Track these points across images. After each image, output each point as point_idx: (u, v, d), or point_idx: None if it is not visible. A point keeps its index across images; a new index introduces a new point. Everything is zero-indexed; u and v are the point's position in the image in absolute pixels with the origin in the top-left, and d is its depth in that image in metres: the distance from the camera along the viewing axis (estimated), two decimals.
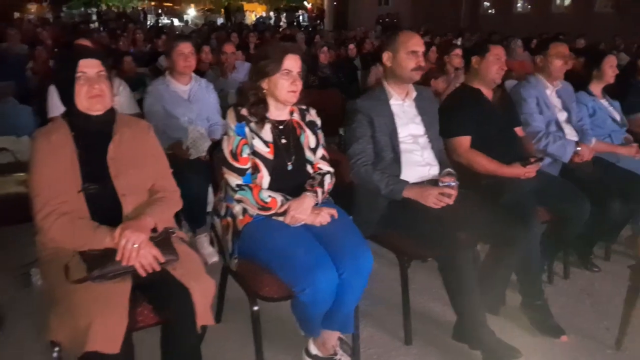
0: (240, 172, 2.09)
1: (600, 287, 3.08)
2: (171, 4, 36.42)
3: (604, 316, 2.75)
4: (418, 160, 2.52)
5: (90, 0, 28.58)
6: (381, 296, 2.81)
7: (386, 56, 2.51)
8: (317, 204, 2.14)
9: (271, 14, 32.30)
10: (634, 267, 2.34)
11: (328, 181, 2.25)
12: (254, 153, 2.11)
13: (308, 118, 2.29)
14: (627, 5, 15.07)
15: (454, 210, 2.37)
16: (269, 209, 2.08)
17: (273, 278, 1.98)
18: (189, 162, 3.03)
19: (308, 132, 2.26)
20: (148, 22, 24.53)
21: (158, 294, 1.69)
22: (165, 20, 29.20)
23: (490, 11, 22.60)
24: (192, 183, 2.84)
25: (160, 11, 30.88)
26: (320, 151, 2.29)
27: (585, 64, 3.60)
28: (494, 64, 2.84)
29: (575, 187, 2.83)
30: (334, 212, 2.12)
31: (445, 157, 2.70)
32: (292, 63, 2.12)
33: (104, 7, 28.61)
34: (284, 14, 30.02)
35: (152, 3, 36.58)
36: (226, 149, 2.11)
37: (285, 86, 2.11)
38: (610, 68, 3.47)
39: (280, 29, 16.12)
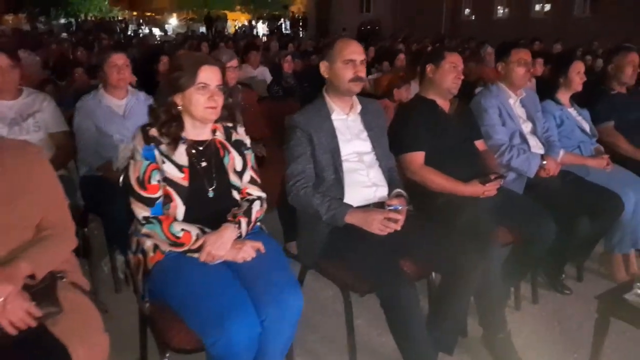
0: (148, 202, 1.82)
1: (571, 312, 2.84)
2: (153, 14, 36.15)
3: (575, 346, 2.51)
4: (363, 181, 2.27)
5: (70, 10, 28.25)
6: (328, 331, 2.55)
7: (323, 67, 2.27)
8: (240, 237, 1.87)
9: (254, 22, 32.09)
10: (601, 297, 2.10)
11: (257, 208, 1.99)
12: (165, 179, 1.84)
13: (235, 137, 2.03)
14: (605, 8, 15.07)
15: (402, 237, 2.12)
16: (181, 244, 1.81)
17: (186, 325, 1.71)
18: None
19: (234, 152, 2.00)
20: (129, 32, 24.18)
21: (28, 356, 1.41)
22: (146, 30, 28.86)
23: (471, 17, 22.59)
24: (121, 207, 2.56)
25: (141, 21, 30.48)
26: (249, 174, 2.03)
27: (552, 71, 3.38)
28: (449, 73, 2.61)
29: (540, 205, 2.59)
30: (259, 245, 1.86)
31: (397, 176, 2.45)
32: (209, 75, 1.86)
33: (83, 17, 28.27)
34: (266, 22, 29.84)
35: (135, 13, 36.29)
36: (132, 175, 1.84)
37: (201, 101, 1.85)
38: (577, 75, 3.25)
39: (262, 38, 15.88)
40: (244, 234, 1.88)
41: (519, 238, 2.57)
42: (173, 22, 33.22)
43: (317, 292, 2.87)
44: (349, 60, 2.20)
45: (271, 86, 5.19)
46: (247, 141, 2.07)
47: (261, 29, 29.05)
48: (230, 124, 2.04)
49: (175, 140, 1.86)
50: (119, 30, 22.36)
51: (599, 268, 3.28)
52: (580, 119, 3.34)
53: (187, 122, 1.92)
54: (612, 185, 2.99)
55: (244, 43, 11.42)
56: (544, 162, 2.85)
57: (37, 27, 23.49)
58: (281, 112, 3.83)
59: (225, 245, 1.81)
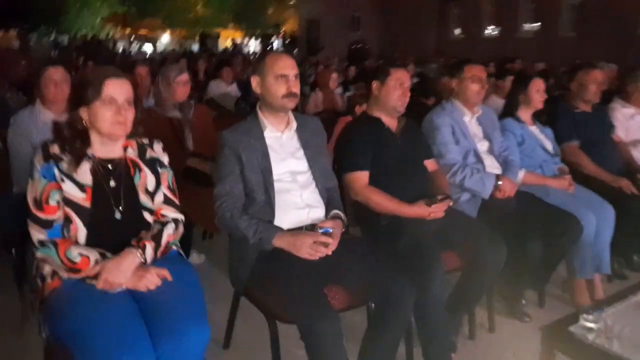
0: (46, 225, 1.67)
1: (529, 342, 2.65)
2: (147, 32, 36.22)
3: None
4: (295, 202, 2.13)
5: (61, 28, 28.26)
6: None
7: (254, 82, 2.14)
8: (145, 263, 1.72)
9: (245, 40, 32.21)
10: (545, 330, 1.95)
11: (169, 232, 1.84)
12: (65, 200, 1.70)
13: (149, 155, 1.89)
14: (591, 28, 15.16)
15: (335, 262, 1.98)
16: (78, 270, 1.66)
17: None
18: None
19: (146, 171, 1.86)
20: (119, 50, 24.16)
21: None
22: (137, 47, 28.89)
23: (460, 36, 22.72)
24: None
25: (132, 38, 30.47)
26: (162, 194, 1.88)
27: (512, 89, 3.28)
28: (394, 90, 2.50)
29: (490, 228, 2.46)
30: (164, 273, 1.71)
31: (337, 196, 2.32)
32: (116, 89, 1.73)
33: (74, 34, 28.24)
34: (259, 40, 29.95)
35: (127, 30, 36.36)
36: (29, 196, 1.70)
37: (107, 117, 1.72)
38: (537, 93, 3.15)
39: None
40: (149, 260, 1.73)
41: (467, 263, 2.43)
42: (165, 39, 33.24)
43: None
44: (281, 75, 2.08)
45: (238, 102, 5.08)
46: (164, 159, 1.93)
47: (253, 46, 29.13)
48: (146, 141, 1.90)
49: (77, 158, 1.72)
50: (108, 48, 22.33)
51: (562, 294, 3.13)
52: (542, 137, 3.23)
53: (95, 138, 1.78)
54: (573, 206, 2.87)
55: (216, 59, 11.33)
56: (499, 182, 2.72)
57: (28, 45, 23.46)
58: None
59: (125, 272, 1.66)
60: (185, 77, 3.31)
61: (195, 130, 3.32)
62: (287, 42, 27.64)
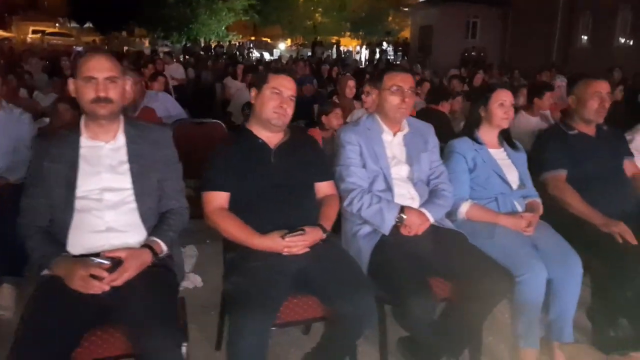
0: None
1: None
2: (269, 39, 37.96)
3: None
4: (94, 224, 1.85)
5: (190, 35, 30.46)
6: None
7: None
8: None
9: (358, 48, 32.21)
10: None
11: None
12: None
13: None
14: None
15: (111, 300, 1.69)
16: None
17: None
18: None
19: None
20: (241, 57, 25.51)
21: None
22: (256, 54, 30.24)
23: (587, 45, 20.44)
24: None
25: (251, 45, 32.04)
26: None
27: (472, 102, 2.67)
28: (269, 100, 2.12)
29: (360, 272, 1.98)
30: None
31: (176, 219, 2.00)
32: None
33: (203, 40, 30.33)
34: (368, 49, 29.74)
35: (252, 38, 38.39)
36: None
37: None
38: (499, 107, 2.52)
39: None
40: None
41: (331, 315, 1.97)
42: (282, 47, 34.49)
43: None
44: (89, 77, 1.84)
45: (244, 108, 4.91)
46: None
47: (364, 54, 28.97)
48: None
49: None
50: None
51: None
52: (507, 164, 2.58)
53: None
54: (517, 255, 2.23)
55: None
56: (404, 216, 2.20)
57: (156, 49, 25.71)
58: (193, 136, 3.52)
59: None
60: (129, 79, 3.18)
61: None
62: (399, 49, 27.01)
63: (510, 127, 3.83)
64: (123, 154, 1.95)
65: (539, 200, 2.60)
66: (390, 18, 33.41)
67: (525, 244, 2.31)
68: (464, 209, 2.45)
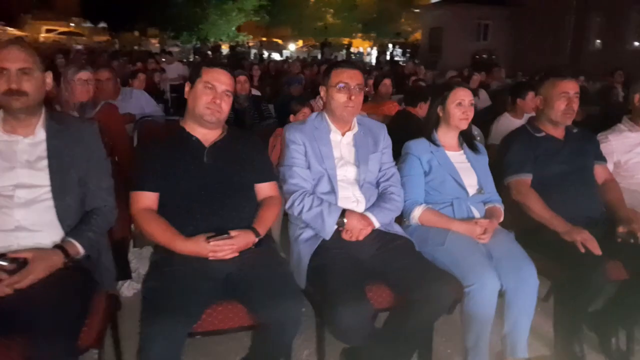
0: None
1: None
2: (279, 40, 37.95)
3: None
4: (3, 223, 1.75)
5: (200, 35, 30.54)
6: None
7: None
8: None
9: (369, 49, 32.09)
10: None
11: None
12: None
13: None
14: None
15: (22, 304, 1.60)
16: None
17: None
18: None
19: None
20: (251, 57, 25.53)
21: None
22: (266, 54, 30.23)
23: (598, 47, 20.09)
24: None
25: (261, 46, 32.02)
26: None
27: (430, 102, 2.54)
28: (202, 95, 2.02)
29: (289, 279, 1.88)
30: None
31: (97, 219, 1.92)
32: None
33: (212, 41, 30.40)
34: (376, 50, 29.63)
35: (263, 39, 38.43)
36: None
37: None
38: (457, 107, 2.40)
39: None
40: None
41: (257, 322, 1.86)
42: (292, 47, 34.43)
43: None
44: (1, 68, 1.76)
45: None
46: None
47: (374, 56, 28.85)
48: None
49: None
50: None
51: None
52: (466, 167, 2.46)
53: None
54: (467, 263, 2.11)
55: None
56: (345, 220, 2.08)
57: (165, 49, 25.88)
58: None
59: None
60: (84, 75, 3.12)
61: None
62: (407, 51, 26.79)
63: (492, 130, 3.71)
64: (42, 149, 1.86)
65: (499, 205, 2.47)
66: (402, 19, 33.21)
67: (477, 252, 2.18)
68: (417, 213, 2.33)
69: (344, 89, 2.18)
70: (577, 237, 2.28)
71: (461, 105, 2.39)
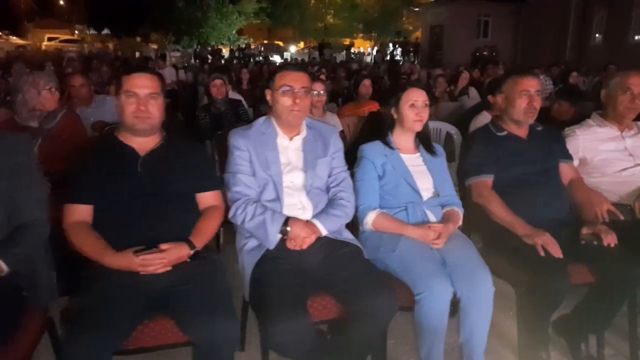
0: None
1: None
2: (280, 42, 37.94)
3: None
4: None
5: (200, 39, 30.55)
6: None
7: None
8: None
9: (369, 49, 31.96)
10: None
11: None
12: None
13: None
14: None
15: None
16: None
17: None
18: None
19: None
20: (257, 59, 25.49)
21: None
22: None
23: (601, 42, 19.82)
24: None
25: (261, 48, 31.95)
26: None
27: (383, 104, 2.46)
28: (126, 105, 1.96)
29: (224, 295, 1.80)
30: None
31: (26, 234, 1.84)
32: None
33: (213, 45, 30.40)
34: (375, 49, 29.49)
35: (265, 41, 38.43)
36: None
37: None
38: (410, 109, 2.31)
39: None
40: None
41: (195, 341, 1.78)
42: (292, 49, 34.40)
43: None
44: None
45: (199, 111, 4.74)
46: None
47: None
48: None
49: None
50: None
51: None
52: (422, 170, 2.37)
53: None
54: (420, 270, 2.03)
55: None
56: (288, 228, 2.01)
57: (165, 54, 25.92)
58: None
59: None
60: (51, 85, 3.07)
61: (55, 140, 3.06)
62: (410, 50, 26.61)
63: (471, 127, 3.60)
64: None
65: (458, 209, 2.38)
66: (404, 18, 33.06)
67: (429, 258, 2.09)
68: (370, 218, 2.25)
69: (289, 93, 2.11)
70: (538, 240, 2.18)
71: (414, 107, 2.30)
